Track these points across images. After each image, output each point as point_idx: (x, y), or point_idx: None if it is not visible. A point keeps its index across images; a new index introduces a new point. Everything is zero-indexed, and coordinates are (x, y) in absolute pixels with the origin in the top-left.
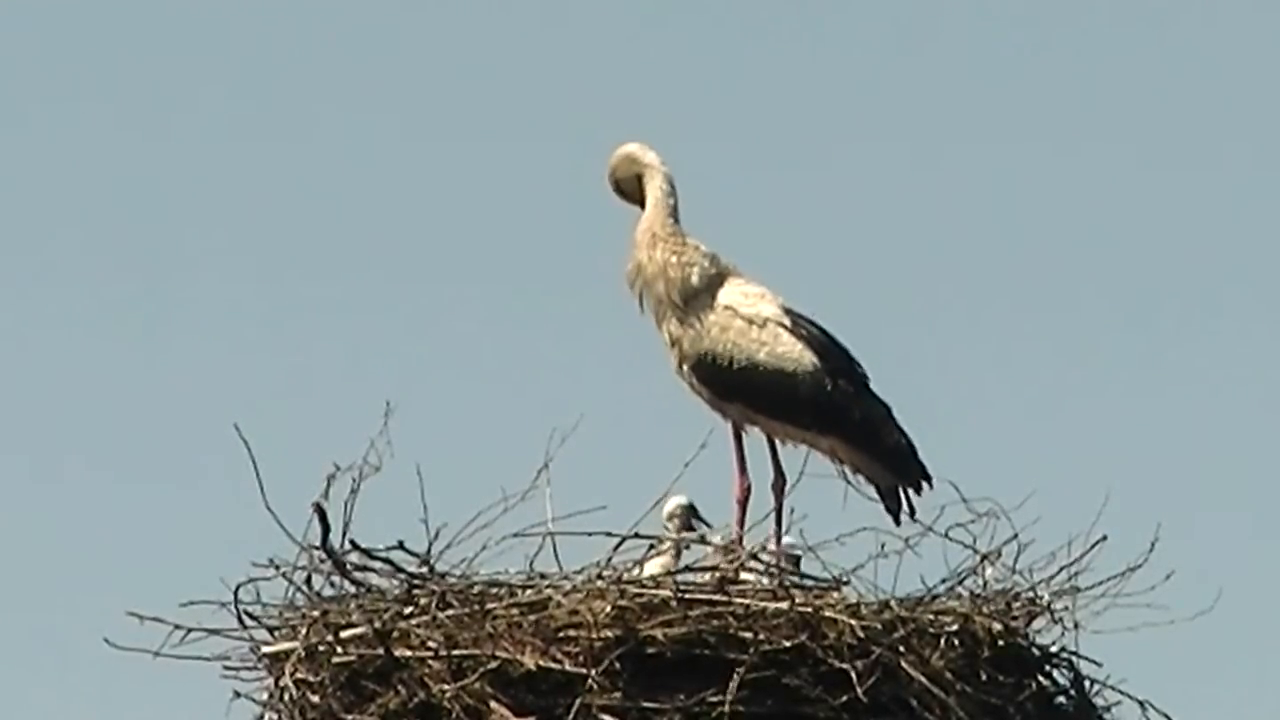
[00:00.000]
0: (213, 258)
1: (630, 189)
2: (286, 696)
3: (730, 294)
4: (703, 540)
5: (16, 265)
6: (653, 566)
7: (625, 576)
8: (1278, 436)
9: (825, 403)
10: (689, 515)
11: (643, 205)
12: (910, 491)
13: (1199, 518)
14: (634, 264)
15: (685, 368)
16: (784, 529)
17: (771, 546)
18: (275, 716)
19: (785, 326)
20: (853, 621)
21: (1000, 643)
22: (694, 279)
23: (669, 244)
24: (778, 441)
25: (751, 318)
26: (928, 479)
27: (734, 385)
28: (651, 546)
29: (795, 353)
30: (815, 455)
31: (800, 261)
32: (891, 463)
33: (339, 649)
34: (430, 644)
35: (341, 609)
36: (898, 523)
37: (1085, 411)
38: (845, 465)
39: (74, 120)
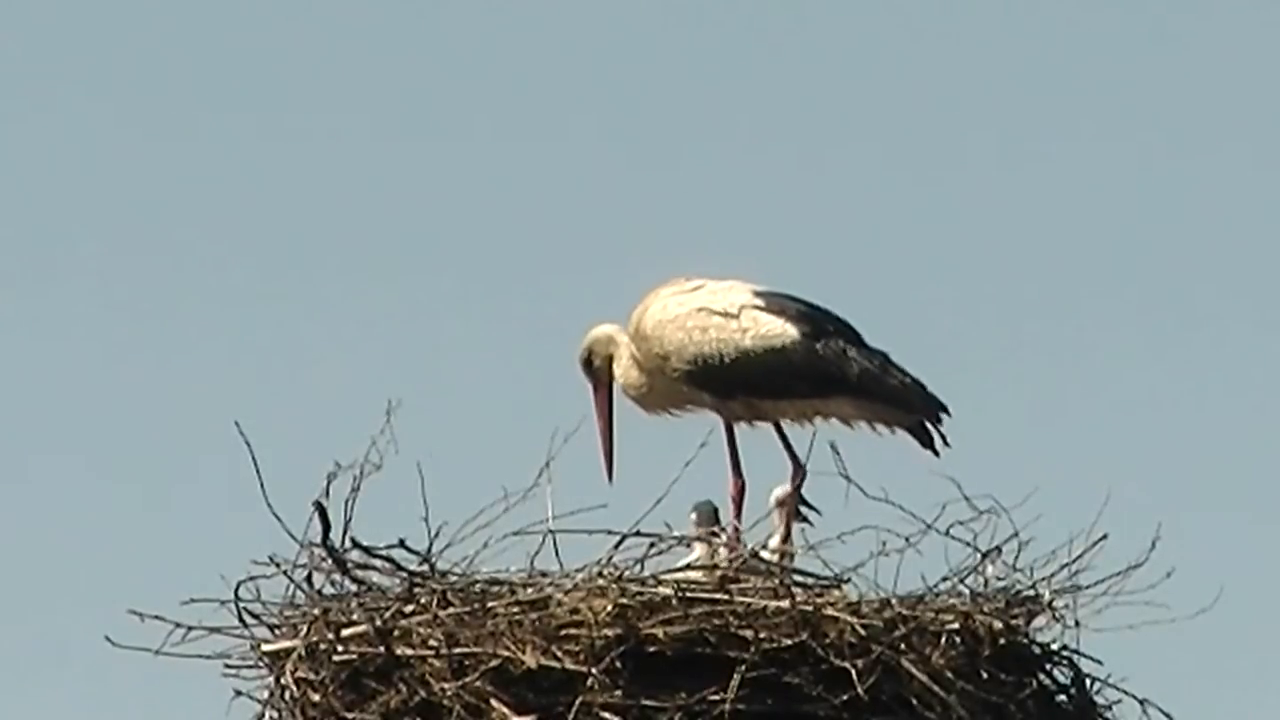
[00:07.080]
0: (214, 258)
1: (602, 368)
2: (287, 695)
3: (700, 297)
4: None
5: (17, 265)
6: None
7: (626, 574)
8: (1278, 436)
9: (820, 365)
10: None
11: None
12: (934, 425)
13: (1199, 517)
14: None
15: (681, 379)
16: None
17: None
18: (276, 715)
19: (760, 308)
20: (853, 620)
21: (1001, 641)
22: (642, 352)
23: (636, 393)
24: (786, 427)
25: (725, 310)
26: (944, 408)
27: (731, 379)
28: (652, 545)
29: (778, 328)
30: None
31: (801, 259)
32: (903, 403)
33: (340, 647)
34: (431, 642)
35: (342, 607)
36: (937, 454)
37: (1085, 411)
38: (862, 423)
39: (74, 120)
